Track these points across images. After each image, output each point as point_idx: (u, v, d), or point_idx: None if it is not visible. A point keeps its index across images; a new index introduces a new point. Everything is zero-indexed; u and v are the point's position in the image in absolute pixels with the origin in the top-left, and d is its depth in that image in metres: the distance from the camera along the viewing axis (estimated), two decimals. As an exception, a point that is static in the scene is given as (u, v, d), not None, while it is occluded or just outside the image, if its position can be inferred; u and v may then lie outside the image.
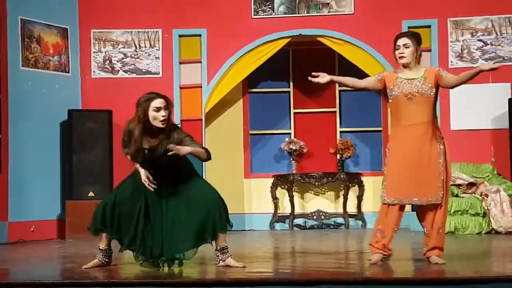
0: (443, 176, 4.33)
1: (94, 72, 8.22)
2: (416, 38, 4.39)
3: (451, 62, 7.95)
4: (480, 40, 7.94)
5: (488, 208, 7.09)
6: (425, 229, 4.46)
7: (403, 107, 4.34)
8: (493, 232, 7.06)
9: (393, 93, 4.38)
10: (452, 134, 7.89)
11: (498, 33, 7.92)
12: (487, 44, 7.93)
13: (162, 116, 4.30)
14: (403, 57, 4.37)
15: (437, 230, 4.41)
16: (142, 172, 4.48)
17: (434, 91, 4.35)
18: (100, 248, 4.63)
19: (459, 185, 7.50)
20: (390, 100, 4.42)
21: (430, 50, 7.95)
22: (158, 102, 4.31)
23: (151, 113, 4.32)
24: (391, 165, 4.37)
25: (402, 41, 4.40)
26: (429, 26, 7.96)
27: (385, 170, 4.44)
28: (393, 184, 4.34)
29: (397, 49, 4.41)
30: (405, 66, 4.40)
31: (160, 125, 4.31)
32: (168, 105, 4.35)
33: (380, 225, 4.42)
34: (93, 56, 8.21)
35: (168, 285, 3.86)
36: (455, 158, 7.79)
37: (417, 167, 4.30)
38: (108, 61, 8.23)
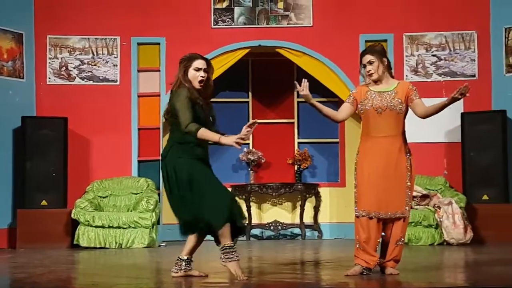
0: (409, 190, 4.38)
1: (49, 78, 8.08)
2: (378, 52, 4.41)
3: (406, 76, 8.12)
4: (434, 55, 8.14)
5: (441, 220, 7.25)
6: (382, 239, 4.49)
7: (373, 120, 4.39)
8: (445, 243, 7.22)
9: (364, 106, 4.42)
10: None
11: (452, 49, 8.13)
12: (441, 59, 8.14)
13: (201, 77, 4.31)
14: (371, 74, 4.41)
15: (395, 243, 4.45)
16: (229, 138, 4.29)
17: (403, 106, 4.38)
18: (231, 244, 4.21)
19: (413, 197, 7.62)
20: (361, 113, 4.46)
21: (386, 64, 8.10)
22: (199, 63, 4.34)
23: (191, 72, 4.33)
24: (360, 178, 4.41)
25: (365, 58, 4.43)
26: (385, 40, 8.12)
27: (355, 182, 4.46)
28: (362, 196, 4.38)
29: (364, 67, 4.43)
30: (376, 81, 4.43)
31: (197, 86, 4.31)
32: (209, 68, 4.37)
33: (357, 235, 4.44)
34: (49, 62, 8.08)
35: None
36: (410, 170, 7.97)
37: (385, 180, 4.32)
38: (64, 68, 8.11)
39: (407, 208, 4.37)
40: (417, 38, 8.15)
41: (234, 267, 4.23)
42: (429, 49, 8.15)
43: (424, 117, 4.44)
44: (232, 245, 4.24)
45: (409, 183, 4.37)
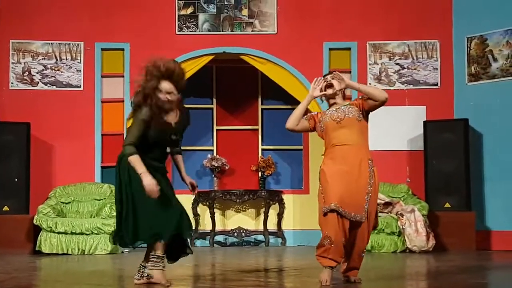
0: (369, 198, 4.37)
1: (12, 83, 7.96)
2: (338, 76, 4.58)
3: (370, 84, 8.19)
4: (397, 64, 8.25)
5: (403, 227, 7.32)
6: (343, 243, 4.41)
7: (334, 131, 4.49)
8: (407, 251, 7.29)
9: (324, 120, 4.54)
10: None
11: (415, 58, 8.25)
12: (404, 68, 8.24)
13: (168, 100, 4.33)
14: (330, 85, 4.55)
15: (359, 253, 4.47)
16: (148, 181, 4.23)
17: (361, 114, 4.50)
18: (161, 255, 4.32)
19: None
20: (322, 130, 4.56)
21: (350, 72, 8.18)
22: (166, 87, 4.36)
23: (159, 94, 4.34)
24: (324, 179, 4.44)
25: (334, 73, 4.60)
26: (349, 49, 8.19)
27: (320, 186, 4.48)
28: (328, 192, 4.37)
29: (326, 82, 4.58)
30: (332, 97, 4.58)
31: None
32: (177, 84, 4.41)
33: (326, 232, 4.33)
34: (12, 67, 7.96)
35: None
36: (373, 177, 8.05)
37: (347, 183, 4.37)
38: (27, 73, 8.00)
39: (365, 215, 4.38)
40: (381, 47, 8.24)
41: (159, 275, 4.32)
42: (392, 57, 8.25)
43: (372, 96, 4.53)
44: (162, 255, 4.32)
45: (370, 191, 4.40)
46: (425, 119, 8.03)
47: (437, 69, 8.19)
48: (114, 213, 7.31)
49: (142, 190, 4.23)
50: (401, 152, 8.11)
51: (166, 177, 4.49)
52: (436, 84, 8.19)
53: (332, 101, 4.59)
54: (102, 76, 8.07)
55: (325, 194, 4.40)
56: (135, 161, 4.26)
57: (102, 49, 8.07)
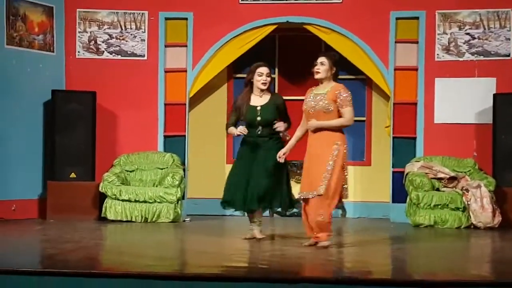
0: (328, 175, 5.09)
1: (78, 52, 8.10)
2: (332, 59, 5.25)
3: (437, 55, 7.94)
4: (467, 34, 7.93)
5: (468, 203, 7.15)
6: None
7: (308, 118, 5.26)
8: (472, 227, 7.13)
9: (304, 106, 5.33)
10: (435, 127, 7.92)
11: (486, 27, 7.91)
12: (475, 38, 7.92)
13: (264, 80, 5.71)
14: (318, 72, 5.24)
15: (315, 221, 5.14)
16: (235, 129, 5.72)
17: (329, 107, 5.14)
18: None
19: (440, 179, 7.54)
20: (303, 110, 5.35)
21: (417, 42, 7.94)
22: (262, 69, 5.74)
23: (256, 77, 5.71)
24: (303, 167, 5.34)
25: (320, 59, 5.26)
26: (417, 18, 7.92)
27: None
28: (301, 180, 5.39)
29: (315, 65, 5.25)
30: (320, 81, 5.26)
31: (262, 86, 5.69)
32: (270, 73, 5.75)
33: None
34: (78, 36, 8.09)
35: (148, 277, 3.86)
36: (438, 152, 7.85)
37: (308, 167, 5.22)
38: (93, 42, 8.12)
39: (321, 189, 5.08)
40: (450, 16, 7.93)
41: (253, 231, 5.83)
42: (462, 27, 7.93)
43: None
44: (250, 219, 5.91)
45: (329, 170, 5.08)
46: (495, 92, 7.73)
47: (509, 39, 7.83)
48: (176, 182, 7.48)
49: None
50: (468, 126, 7.86)
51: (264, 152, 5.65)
52: (508, 55, 7.85)
53: (319, 80, 5.25)
54: (165, 46, 8.09)
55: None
56: (228, 130, 5.84)
57: (166, 19, 8.08)
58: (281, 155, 5.46)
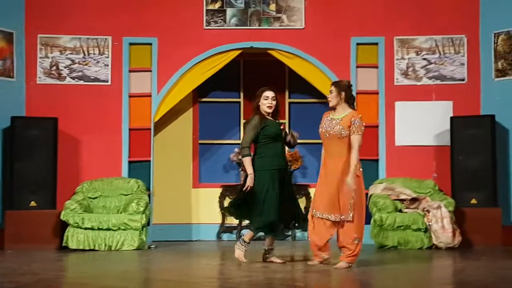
0: (352, 201, 5.42)
1: (39, 78, 8.02)
2: (339, 86, 5.56)
3: (397, 79, 8.16)
4: (424, 59, 8.19)
5: (430, 224, 7.32)
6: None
7: (324, 141, 5.56)
8: (433, 247, 7.29)
9: (320, 129, 5.58)
10: (396, 149, 8.11)
11: (442, 53, 8.18)
12: (431, 63, 8.18)
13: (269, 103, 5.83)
14: (329, 101, 5.60)
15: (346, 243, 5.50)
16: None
17: (343, 133, 5.42)
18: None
19: (402, 200, 7.71)
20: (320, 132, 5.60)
21: (377, 67, 8.15)
22: (268, 93, 5.86)
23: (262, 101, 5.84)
24: (317, 186, 5.63)
25: (330, 88, 5.61)
26: (376, 44, 8.14)
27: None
28: (315, 200, 5.60)
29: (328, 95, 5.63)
30: (333, 107, 5.57)
31: (268, 110, 5.81)
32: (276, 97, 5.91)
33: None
34: (40, 62, 8.02)
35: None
36: (399, 173, 8.04)
37: (327, 190, 5.45)
38: (55, 67, 8.05)
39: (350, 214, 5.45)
40: (408, 42, 8.18)
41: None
42: (419, 52, 8.18)
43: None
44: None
45: (353, 194, 5.41)
46: (452, 115, 7.98)
47: (464, 64, 8.12)
48: (141, 209, 7.41)
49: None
50: (428, 148, 8.08)
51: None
52: (463, 80, 8.13)
53: (330, 104, 5.54)
54: (129, 71, 8.10)
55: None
56: (245, 162, 5.82)
57: (130, 44, 8.09)
58: None
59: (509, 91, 7.84)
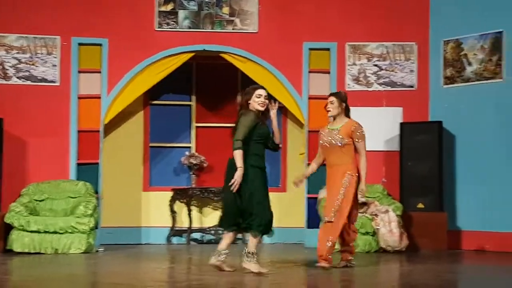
0: (339, 201, 5.63)
1: (-16, 77, 7.80)
2: (340, 97, 5.73)
3: (348, 84, 8.25)
4: (375, 65, 8.30)
5: (378, 227, 7.41)
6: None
7: (325, 151, 5.75)
8: (381, 251, 7.39)
9: (320, 141, 5.79)
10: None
11: (392, 59, 8.31)
12: (382, 70, 8.30)
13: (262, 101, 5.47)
14: (329, 110, 5.73)
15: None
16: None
17: (345, 141, 5.63)
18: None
19: (351, 205, 7.77)
20: (320, 145, 5.81)
21: (329, 72, 8.22)
22: (260, 91, 5.50)
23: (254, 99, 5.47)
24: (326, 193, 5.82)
25: (329, 99, 5.76)
26: (328, 49, 8.21)
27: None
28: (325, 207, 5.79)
29: (326, 105, 5.74)
30: (333, 118, 5.75)
31: (260, 108, 5.46)
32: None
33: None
34: (-16, 61, 7.80)
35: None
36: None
37: (329, 195, 5.72)
38: (0, 66, 7.84)
39: (333, 215, 5.61)
40: (359, 48, 8.28)
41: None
42: (370, 59, 8.30)
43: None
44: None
45: (340, 197, 5.61)
46: (401, 121, 8.11)
47: (413, 71, 8.27)
48: (89, 212, 7.27)
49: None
50: (377, 153, 8.18)
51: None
52: (413, 86, 8.27)
53: (331, 118, 5.74)
54: (79, 72, 7.95)
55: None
56: (237, 156, 5.33)
57: (79, 44, 7.95)
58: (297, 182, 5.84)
59: (457, 98, 8.02)
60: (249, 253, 5.35)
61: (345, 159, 5.65)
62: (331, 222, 5.58)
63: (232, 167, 5.38)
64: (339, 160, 5.65)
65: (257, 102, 5.47)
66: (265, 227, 5.35)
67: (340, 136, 5.65)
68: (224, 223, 5.51)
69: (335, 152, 5.66)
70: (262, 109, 5.48)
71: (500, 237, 7.52)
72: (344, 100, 5.74)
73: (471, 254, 7.31)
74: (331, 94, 5.82)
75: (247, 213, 5.34)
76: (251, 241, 5.37)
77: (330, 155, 5.70)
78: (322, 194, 7.86)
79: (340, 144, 5.65)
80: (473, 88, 7.92)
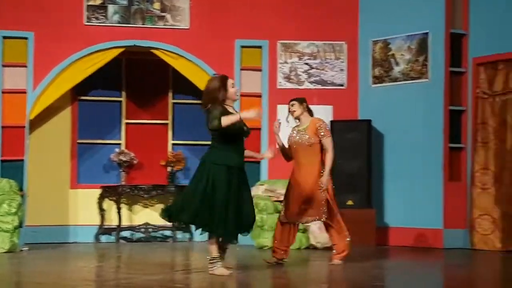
0: (324, 202, 5.89)
1: None
2: (299, 100, 6.01)
3: (280, 82, 8.31)
4: (306, 64, 8.40)
5: (308, 225, 7.50)
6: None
7: (294, 152, 5.92)
8: (311, 247, 7.48)
9: (289, 142, 5.97)
10: (277, 151, 8.22)
11: (323, 58, 8.43)
12: (313, 68, 8.41)
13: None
14: (293, 111, 5.99)
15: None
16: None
17: (312, 140, 5.83)
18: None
19: (280, 202, 7.83)
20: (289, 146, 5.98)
21: (260, 70, 8.26)
22: (232, 80, 5.25)
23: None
24: (286, 193, 5.96)
25: (291, 103, 6.03)
26: (260, 47, 8.25)
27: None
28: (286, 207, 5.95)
29: (289, 109, 6.02)
30: (297, 118, 5.98)
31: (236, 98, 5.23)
32: None
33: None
34: None
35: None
36: (280, 175, 8.18)
37: (301, 196, 5.80)
38: None
39: (323, 213, 5.95)
40: (291, 46, 8.36)
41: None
42: (301, 57, 8.39)
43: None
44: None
45: (324, 197, 5.87)
46: (331, 119, 8.24)
47: (343, 70, 8.42)
48: (13, 210, 7.04)
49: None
50: (308, 151, 8.26)
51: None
52: (343, 85, 8.42)
53: (296, 120, 5.95)
54: (3, 66, 7.67)
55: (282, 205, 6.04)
56: (226, 118, 4.95)
57: (4, 37, 7.68)
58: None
59: (385, 97, 8.21)
60: (212, 258, 5.11)
61: (314, 158, 5.84)
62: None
63: (202, 164, 5.11)
64: (309, 160, 5.83)
65: (233, 92, 5.12)
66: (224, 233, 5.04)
67: (308, 136, 5.86)
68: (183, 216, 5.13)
69: (304, 152, 5.84)
70: (237, 98, 5.24)
71: (419, 233, 7.76)
72: (303, 100, 6.01)
73: (397, 250, 7.51)
74: (290, 100, 6.06)
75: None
76: (211, 244, 5.11)
77: (300, 155, 5.87)
78: (254, 191, 7.88)
79: (308, 144, 5.84)
80: (400, 88, 8.14)
